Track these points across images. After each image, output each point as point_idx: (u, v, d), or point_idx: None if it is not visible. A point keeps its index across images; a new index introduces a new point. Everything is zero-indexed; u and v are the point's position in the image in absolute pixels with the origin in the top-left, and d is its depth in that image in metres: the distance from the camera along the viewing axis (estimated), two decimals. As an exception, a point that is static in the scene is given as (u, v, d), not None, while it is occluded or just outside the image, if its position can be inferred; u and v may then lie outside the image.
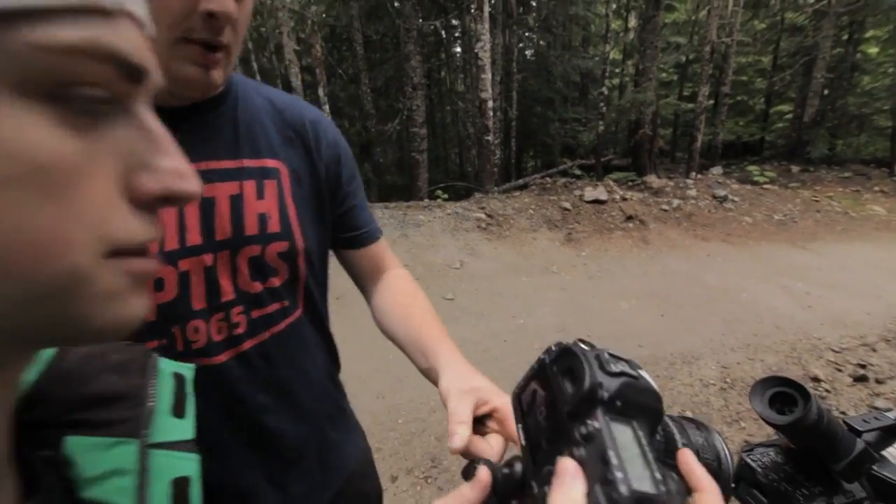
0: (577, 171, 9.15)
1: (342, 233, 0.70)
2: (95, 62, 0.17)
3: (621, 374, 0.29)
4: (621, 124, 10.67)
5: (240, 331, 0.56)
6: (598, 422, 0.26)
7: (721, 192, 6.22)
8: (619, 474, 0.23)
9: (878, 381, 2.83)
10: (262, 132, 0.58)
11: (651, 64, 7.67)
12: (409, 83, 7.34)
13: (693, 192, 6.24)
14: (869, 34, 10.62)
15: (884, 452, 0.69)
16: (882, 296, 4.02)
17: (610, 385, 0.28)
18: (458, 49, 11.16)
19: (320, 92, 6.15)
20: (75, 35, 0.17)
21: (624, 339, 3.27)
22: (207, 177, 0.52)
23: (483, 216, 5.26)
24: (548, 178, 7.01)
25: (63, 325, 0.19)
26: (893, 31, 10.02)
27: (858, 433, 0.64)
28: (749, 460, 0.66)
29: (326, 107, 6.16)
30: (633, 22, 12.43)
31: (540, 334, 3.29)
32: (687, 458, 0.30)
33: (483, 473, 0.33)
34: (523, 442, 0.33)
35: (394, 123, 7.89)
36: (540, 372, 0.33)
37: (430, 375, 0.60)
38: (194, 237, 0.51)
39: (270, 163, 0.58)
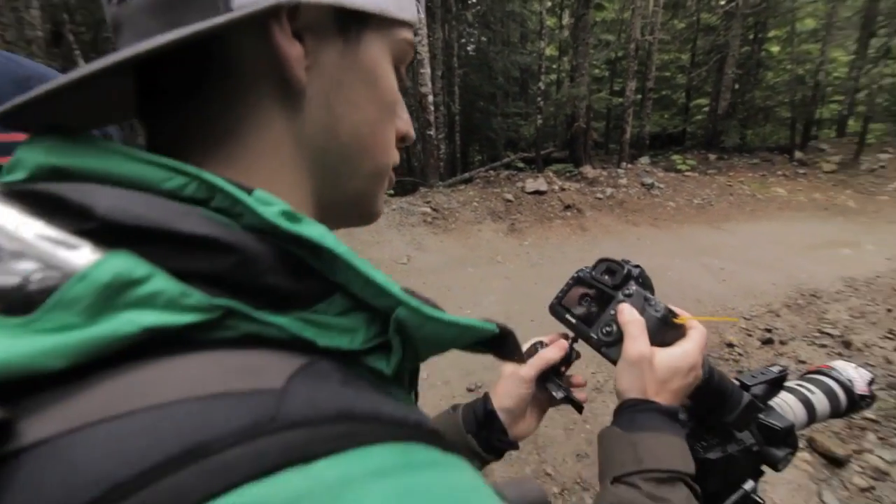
0: (520, 164, 9.43)
1: None
2: (411, 51, 0.32)
3: (637, 266, 0.57)
4: (559, 118, 11.12)
5: None
6: (633, 287, 0.54)
7: (648, 181, 6.70)
8: (656, 301, 0.52)
9: (782, 343, 3.21)
10: None
11: (583, 60, 8.05)
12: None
13: (624, 181, 6.67)
14: (771, 34, 11.82)
15: (770, 402, 0.80)
16: (784, 267, 4.54)
17: (635, 270, 0.56)
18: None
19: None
20: (411, 36, 0.32)
21: (564, 322, 3.45)
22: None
23: (429, 210, 5.30)
24: (491, 172, 7.17)
25: (370, 201, 0.33)
26: (790, 31, 11.23)
27: (748, 387, 0.73)
28: None
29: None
30: (566, 19, 12.96)
31: (486, 322, 3.39)
32: (683, 312, 0.55)
33: (561, 340, 0.59)
34: (573, 321, 0.57)
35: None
36: (577, 280, 0.60)
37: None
38: None
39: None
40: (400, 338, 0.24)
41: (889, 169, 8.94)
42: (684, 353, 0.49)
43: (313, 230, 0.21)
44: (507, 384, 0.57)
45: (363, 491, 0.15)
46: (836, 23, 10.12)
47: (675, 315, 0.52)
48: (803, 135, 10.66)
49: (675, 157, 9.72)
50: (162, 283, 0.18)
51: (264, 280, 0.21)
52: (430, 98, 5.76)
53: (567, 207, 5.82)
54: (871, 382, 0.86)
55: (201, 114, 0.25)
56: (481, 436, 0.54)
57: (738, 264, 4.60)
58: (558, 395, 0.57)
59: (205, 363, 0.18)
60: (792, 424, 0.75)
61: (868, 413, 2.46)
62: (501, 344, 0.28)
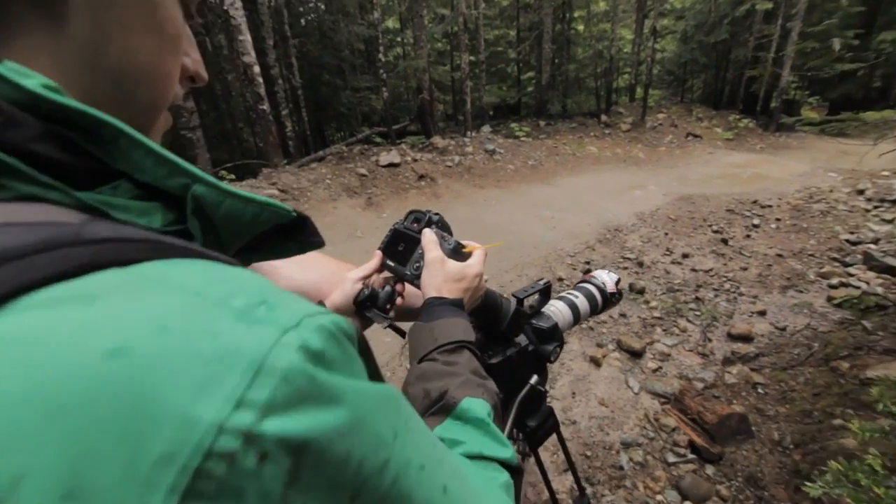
0: (377, 139, 9.33)
1: None
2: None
3: (437, 214, 0.70)
4: (410, 92, 11.21)
5: None
6: (434, 228, 0.67)
7: (490, 147, 7.28)
8: (449, 238, 0.66)
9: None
10: None
11: (420, 33, 8.18)
12: (154, 47, 6.00)
13: (470, 149, 7.12)
14: (576, 14, 13.67)
15: (544, 309, 0.94)
16: (596, 211, 5.46)
17: (434, 217, 0.69)
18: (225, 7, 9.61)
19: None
20: None
21: (426, 285, 3.61)
22: None
23: (276, 192, 4.90)
24: (344, 148, 6.92)
25: (146, 132, 0.29)
26: (588, 13, 13.13)
27: (521, 301, 0.85)
28: None
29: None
30: (402, -9, 12.90)
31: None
32: (466, 241, 0.69)
33: (378, 251, 0.71)
34: (392, 264, 0.69)
35: (144, 97, 6.39)
36: (395, 232, 0.72)
37: None
38: None
39: None
40: (199, 222, 0.23)
41: (664, 126, 11.37)
42: (470, 263, 0.63)
43: (86, 106, 0.20)
44: (339, 287, 0.67)
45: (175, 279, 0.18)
46: (619, 5, 12.18)
47: (463, 246, 0.66)
48: (606, 101, 12.78)
49: (513, 125, 10.74)
50: None
51: (32, 148, 0.19)
52: (256, 69, 5.19)
53: (421, 177, 5.99)
54: (617, 282, 1.09)
55: None
56: None
57: (564, 213, 5.39)
58: (383, 324, 0.67)
59: None
60: (555, 324, 0.91)
61: (656, 313, 3.17)
62: (300, 228, 0.30)
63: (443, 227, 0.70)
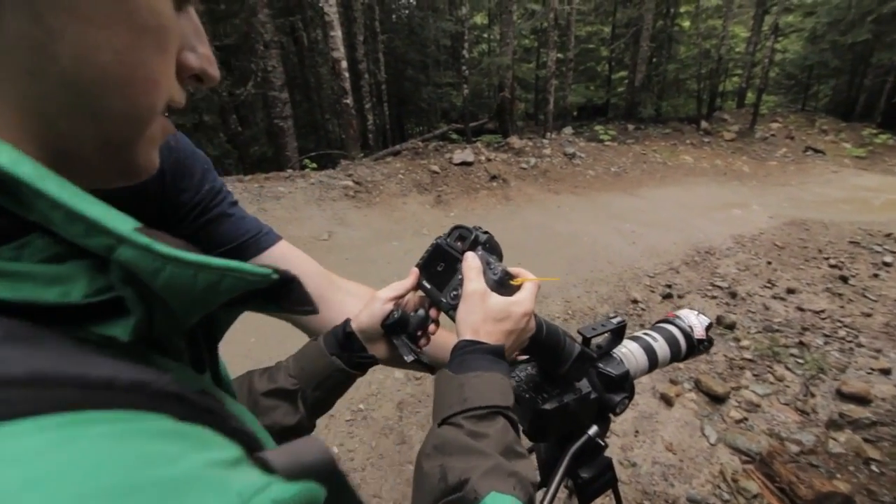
0: (454, 136, 9.34)
1: (210, 251, 0.55)
2: None
3: (486, 233, 0.59)
4: (492, 89, 11.08)
5: None
6: (480, 252, 0.56)
7: (570, 150, 6.92)
8: (496, 265, 0.55)
9: (680, 296, 3.49)
10: None
11: (508, 29, 7.99)
12: (261, 40, 6.54)
13: (548, 151, 6.83)
14: (682, 9, 12.51)
15: (614, 351, 0.81)
16: (685, 228, 4.93)
17: (482, 236, 0.58)
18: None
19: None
20: None
21: (486, 290, 3.49)
22: None
23: (350, 184, 5.07)
24: (420, 143, 7.01)
25: (128, 152, 0.25)
26: (697, 7, 11.94)
27: (588, 340, 0.73)
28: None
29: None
30: (494, -13, 12.76)
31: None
32: (515, 269, 0.58)
33: (414, 269, 0.62)
34: (428, 286, 0.60)
35: (247, 87, 7.02)
36: (436, 248, 0.62)
37: None
38: None
39: None
40: (135, 290, 0.18)
41: (778, 137, 10.01)
42: (517, 300, 0.53)
43: None
44: (367, 306, 0.60)
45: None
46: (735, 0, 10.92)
47: (511, 277, 0.56)
48: (709, 106, 11.57)
49: (598, 127, 10.14)
50: None
51: None
52: (344, 64, 5.41)
53: (493, 178, 5.86)
54: (709, 327, 0.90)
55: None
56: (343, 356, 0.58)
57: (647, 227, 4.93)
58: (408, 357, 0.59)
59: None
60: (626, 371, 0.77)
61: (747, 354, 2.76)
62: (286, 294, 0.24)
63: (491, 249, 0.60)
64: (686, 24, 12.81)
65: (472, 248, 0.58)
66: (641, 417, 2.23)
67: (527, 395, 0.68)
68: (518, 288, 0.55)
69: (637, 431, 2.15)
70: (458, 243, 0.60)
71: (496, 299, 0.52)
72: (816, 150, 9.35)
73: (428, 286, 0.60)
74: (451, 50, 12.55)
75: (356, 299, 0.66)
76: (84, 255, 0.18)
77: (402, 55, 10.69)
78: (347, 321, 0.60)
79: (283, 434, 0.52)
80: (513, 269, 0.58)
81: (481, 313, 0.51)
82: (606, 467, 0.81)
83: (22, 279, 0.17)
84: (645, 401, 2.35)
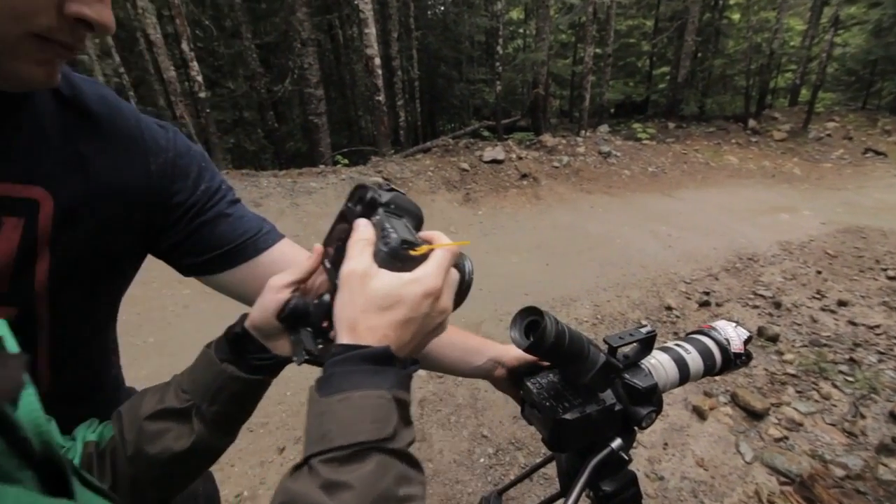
0: (485, 133, 9.26)
1: (206, 253, 0.55)
2: None
3: (391, 190, 0.45)
4: (526, 86, 10.91)
5: None
6: (379, 215, 0.42)
7: (606, 149, 6.71)
8: (392, 232, 0.40)
9: (718, 305, 3.32)
10: (28, 142, 0.41)
11: (544, 24, 7.83)
12: (298, 38, 6.70)
13: (582, 150, 6.65)
14: (732, 1, 11.86)
15: (642, 362, 0.77)
16: (726, 233, 4.68)
17: (384, 196, 0.44)
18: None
19: (185, 46, 5.33)
20: None
21: (512, 290, 3.45)
22: None
23: (380, 180, 5.12)
24: (450, 141, 6.99)
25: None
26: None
27: (614, 349, 0.69)
28: (529, 384, 0.70)
29: (195, 64, 5.40)
30: (532, -19, 12.53)
31: (433, 293, 3.36)
32: (429, 233, 0.43)
33: (318, 246, 0.49)
34: (328, 266, 0.46)
35: (285, 84, 7.22)
36: (340, 215, 0.47)
37: (487, 369, 0.68)
38: None
39: (21, 191, 0.41)
40: None
41: (834, 137, 9.34)
42: (415, 276, 0.38)
43: None
44: (261, 298, 0.48)
45: None
46: (792, -10, 10.24)
47: (412, 245, 0.40)
48: (758, 103, 10.93)
49: (635, 125, 9.78)
50: None
51: None
52: (377, 61, 5.45)
53: (523, 176, 5.76)
54: (748, 341, 0.84)
55: None
56: (240, 361, 0.48)
57: (685, 230, 4.72)
58: (296, 359, 0.47)
59: None
60: (654, 384, 0.73)
61: (790, 369, 2.59)
62: None
63: (400, 210, 0.44)
64: (735, 16, 12.13)
65: (369, 212, 0.43)
66: (671, 429, 2.14)
67: (547, 403, 0.66)
68: (422, 260, 0.40)
69: (666, 444, 2.06)
70: (358, 207, 0.45)
71: (382, 279, 0.37)
72: (878, 153, 8.65)
73: (328, 265, 0.46)
74: (485, 46, 12.44)
75: None
76: None
77: (436, 52, 10.68)
78: (242, 318, 0.49)
79: (178, 460, 0.44)
80: (424, 234, 0.43)
81: (361, 302, 0.37)
82: (630, 482, 0.77)
83: None
84: (676, 412, 2.25)
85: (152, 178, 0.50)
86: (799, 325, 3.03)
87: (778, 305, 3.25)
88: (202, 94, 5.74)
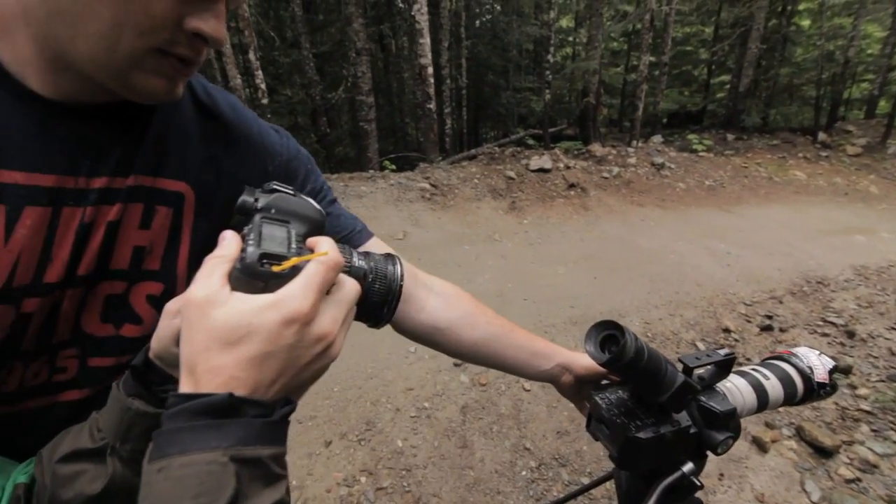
0: (531, 141, 9.19)
1: None
2: None
3: (273, 191, 0.39)
4: (573, 94, 10.74)
5: (62, 377, 0.46)
6: (252, 224, 0.35)
7: (659, 160, 6.46)
8: (251, 245, 0.32)
9: (782, 330, 3.11)
10: (176, 144, 0.48)
11: (597, 32, 7.69)
12: (353, 48, 6.98)
13: (633, 160, 6.44)
14: (801, 6, 11.12)
15: (718, 385, 0.75)
16: (792, 253, 4.37)
17: (261, 199, 0.38)
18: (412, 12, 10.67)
19: (251, 56, 5.71)
20: None
21: (558, 301, 3.39)
22: (93, 197, 0.43)
23: (427, 186, 5.21)
24: (496, 148, 7.00)
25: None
26: (821, 4, 10.54)
27: (690, 370, 0.68)
28: (598, 399, 0.70)
29: (259, 72, 5.76)
30: (584, -11, 12.35)
31: (480, 300, 3.37)
32: (317, 239, 0.36)
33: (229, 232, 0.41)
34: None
35: (338, 91, 7.52)
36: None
37: (554, 374, 0.69)
38: (55, 272, 0.41)
39: (172, 185, 0.48)
40: None
41: (918, 153, 8.49)
42: (275, 299, 0.30)
43: None
44: (158, 326, 0.39)
45: None
46: (872, -6, 9.45)
47: (275, 260, 0.32)
48: (829, 115, 10.14)
49: (691, 136, 9.35)
50: None
51: None
52: (430, 70, 5.57)
53: (571, 186, 5.67)
54: (833, 371, 0.79)
55: None
56: (146, 394, 0.39)
57: (745, 249, 4.45)
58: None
59: None
60: (733, 409, 0.70)
61: (864, 405, 2.38)
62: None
63: (282, 216, 0.37)
64: (805, 22, 11.37)
65: (245, 221, 0.37)
66: (728, 460, 2.02)
67: (618, 420, 0.65)
68: (290, 277, 0.32)
69: (722, 475, 1.95)
70: (237, 216, 0.39)
71: (229, 307, 0.30)
72: (972, 171, 7.78)
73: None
74: (534, 54, 12.38)
75: (440, 299, 0.65)
76: None
77: (484, 60, 10.76)
78: (146, 349, 0.40)
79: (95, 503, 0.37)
80: (312, 241, 0.37)
81: (200, 338, 0.29)
82: (697, 508, 0.75)
83: None
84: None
85: (269, 177, 0.54)
86: (875, 357, 2.77)
87: (851, 335, 2.99)
88: (264, 101, 6.10)
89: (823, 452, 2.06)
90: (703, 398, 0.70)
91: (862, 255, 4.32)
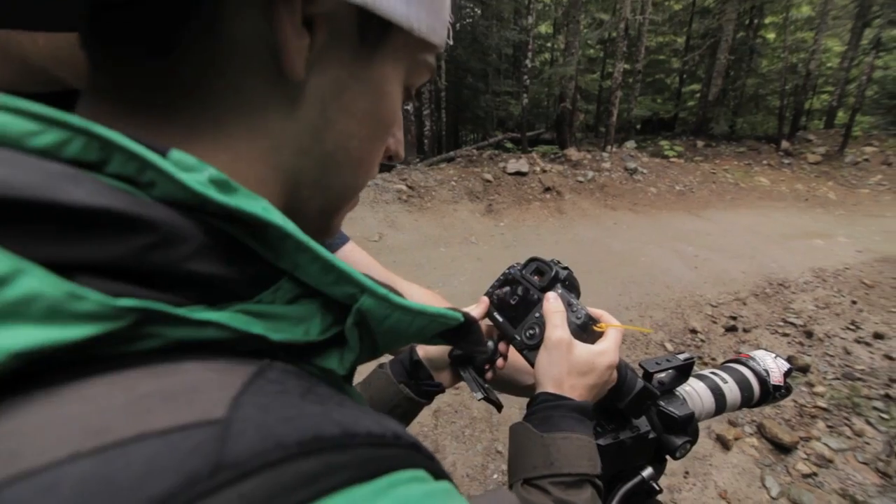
0: (509, 145, 9.27)
1: None
2: (429, 75, 0.30)
3: (566, 268, 0.56)
4: (551, 99, 10.90)
5: None
6: (559, 290, 0.53)
7: (632, 165, 6.62)
8: (578, 307, 0.51)
9: (745, 331, 3.22)
10: None
11: (574, 39, 7.83)
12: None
13: (607, 165, 6.58)
14: (768, 20, 11.63)
15: (678, 390, 0.75)
16: (756, 256, 4.55)
17: (562, 273, 0.56)
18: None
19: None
20: (433, 61, 0.29)
21: (532, 304, 3.41)
22: None
23: (404, 188, 5.17)
24: (474, 151, 7.02)
25: (334, 216, 0.29)
26: (785, 18, 11.06)
27: (650, 375, 0.68)
28: None
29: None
30: (562, -4, 12.57)
31: (454, 303, 3.35)
32: (596, 310, 0.54)
33: (484, 298, 0.59)
34: (500, 319, 0.57)
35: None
36: (509, 278, 0.59)
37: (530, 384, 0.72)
38: None
39: None
40: (358, 330, 0.21)
41: (872, 162, 9.00)
42: (602, 350, 0.49)
43: (254, 204, 0.18)
44: None
45: None
46: (831, 11, 9.98)
47: (595, 322, 0.52)
48: (792, 125, 10.64)
49: (663, 142, 9.63)
50: (37, 281, 0.13)
51: (189, 267, 0.16)
52: (408, 70, 5.54)
53: (547, 190, 5.74)
54: (788, 373, 0.81)
55: (170, 73, 0.20)
56: (411, 384, 0.56)
57: (712, 252, 4.60)
58: (477, 395, 0.57)
59: (108, 394, 0.13)
60: (692, 413, 0.71)
61: (821, 402, 2.49)
62: (465, 333, 0.27)
63: (571, 287, 0.56)
64: (771, 35, 11.89)
65: (552, 284, 0.55)
66: (693, 458, 2.07)
67: None
68: (600, 334, 0.52)
69: (687, 473, 1.99)
70: (536, 278, 0.57)
71: (581, 350, 0.48)
72: (920, 179, 8.29)
73: (499, 319, 0.58)
74: (513, 59, 12.50)
75: None
76: (312, 295, 0.20)
77: (464, 63, 10.79)
78: (413, 348, 0.58)
79: None
80: (593, 311, 0.54)
81: (566, 365, 0.47)
82: (658, 511, 0.76)
83: (282, 320, 0.19)
84: (699, 440, 2.18)
85: None
86: (831, 356, 2.91)
87: (809, 335, 3.13)
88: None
89: (782, 449, 2.14)
90: (662, 403, 0.71)
91: (820, 259, 4.54)
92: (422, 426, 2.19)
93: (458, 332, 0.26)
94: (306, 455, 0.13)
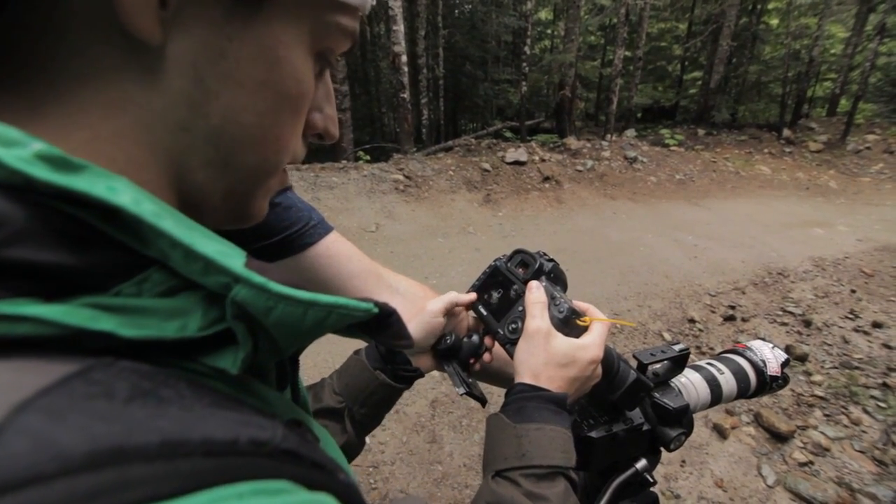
0: (507, 134, 9.18)
1: (247, 245, 0.56)
2: (349, 41, 0.27)
3: (551, 260, 0.55)
4: (551, 87, 10.77)
5: None
6: (543, 283, 0.53)
7: (632, 154, 6.57)
8: (561, 300, 0.51)
9: (744, 320, 3.21)
10: None
11: (574, 25, 7.70)
12: (326, 34, 6.76)
13: (607, 154, 6.52)
14: (771, 5, 11.44)
15: (673, 381, 0.73)
16: (755, 245, 4.52)
17: (547, 265, 0.54)
18: None
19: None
20: (352, 24, 0.26)
21: (530, 294, 3.40)
22: None
23: (401, 178, 5.12)
24: (472, 140, 6.95)
25: (246, 200, 0.27)
26: (788, 4, 10.87)
27: (644, 366, 0.66)
28: None
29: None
30: (562, -19, 12.34)
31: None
32: (582, 304, 0.54)
33: (473, 294, 0.58)
34: (484, 313, 0.57)
35: (312, 78, 7.28)
36: (494, 271, 0.58)
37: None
38: None
39: None
40: (246, 325, 0.19)
41: (874, 150, 8.92)
42: (584, 344, 0.48)
43: (98, 184, 0.16)
44: (415, 319, 0.56)
45: None
46: (835, -5, 9.80)
47: (578, 315, 0.51)
48: (794, 112, 10.53)
49: (663, 130, 9.54)
50: None
51: (11, 254, 0.15)
52: (404, 58, 5.45)
53: (546, 179, 5.68)
54: (785, 364, 0.80)
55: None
56: (388, 369, 0.55)
57: (711, 241, 4.57)
58: (459, 390, 0.55)
59: None
60: (686, 405, 0.70)
61: (818, 391, 2.49)
62: (381, 326, 0.24)
63: (556, 279, 0.55)
64: (774, 21, 11.72)
65: (536, 277, 0.54)
66: (690, 447, 2.07)
67: (573, 418, 0.64)
68: (584, 328, 0.50)
69: (684, 461, 1.99)
70: (520, 270, 0.56)
71: (561, 341, 0.47)
72: (922, 168, 8.23)
73: (484, 312, 0.57)
74: (512, 46, 12.33)
75: (404, 299, 0.62)
76: (195, 287, 0.18)
77: (462, 50, 10.64)
78: None
79: None
80: (578, 304, 0.53)
81: (544, 356, 0.47)
82: (653, 502, 0.75)
83: (145, 315, 0.17)
84: (695, 429, 2.17)
85: None
86: (829, 345, 2.90)
87: (808, 324, 3.12)
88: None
89: (779, 437, 2.14)
90: (656, 395, 0.69)
91: (820, 248, 4.51)
92: (419, 416, 2.19)
93: (374, 324, 0.24)
94: (95, 469, 0.11)
